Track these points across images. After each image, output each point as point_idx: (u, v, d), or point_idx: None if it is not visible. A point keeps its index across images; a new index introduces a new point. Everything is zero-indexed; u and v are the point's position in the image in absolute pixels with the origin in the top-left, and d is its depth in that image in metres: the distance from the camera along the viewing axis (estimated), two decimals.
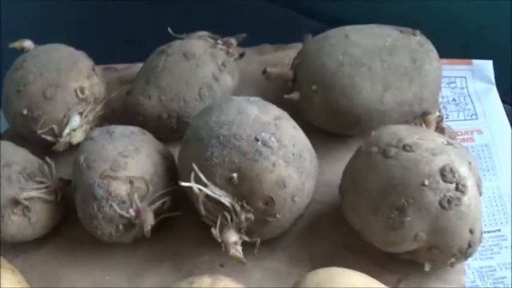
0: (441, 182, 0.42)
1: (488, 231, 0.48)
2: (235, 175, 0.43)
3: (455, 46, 0.62)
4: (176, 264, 0.48)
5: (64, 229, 0.52)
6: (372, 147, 0.45)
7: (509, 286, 0.47)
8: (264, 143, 0.44)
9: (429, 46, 0.54)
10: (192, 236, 0.49)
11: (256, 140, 0.44)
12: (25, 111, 0.53)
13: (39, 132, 0.53)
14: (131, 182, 0.46)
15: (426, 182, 0.42)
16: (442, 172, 0.42)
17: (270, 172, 0.43)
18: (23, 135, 0.55)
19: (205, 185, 0.43)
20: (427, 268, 0.44)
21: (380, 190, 0.43)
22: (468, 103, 0.58)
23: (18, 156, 0.51)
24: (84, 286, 0.48)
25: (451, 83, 0.60)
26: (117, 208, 0.45)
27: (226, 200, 0.43)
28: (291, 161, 0.44)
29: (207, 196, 0.44)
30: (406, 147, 0.43)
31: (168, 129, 0.53)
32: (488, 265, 0.47)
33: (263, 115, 0.46)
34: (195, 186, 0.43)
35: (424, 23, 0.55)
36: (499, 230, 0.48)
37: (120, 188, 0.45)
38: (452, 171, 0.42)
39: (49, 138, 0.53)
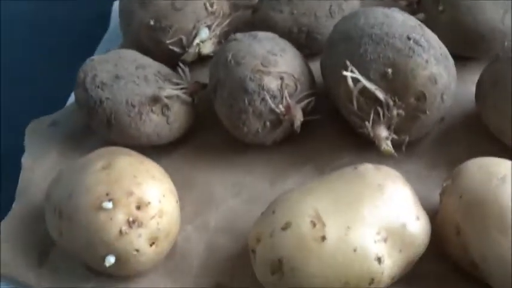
0: None
1: None
2: (390, 70, 0.47)
3: None
4: (317, 166, 0.50)
5: (195, 136, 0.54)
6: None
7: None
8: (416, 42, 0.47)
9: None
10: (330, 140, 0.53)
11: (409, 38, 0.47)
12: (152, 22, 0.56)
13: (168, 42, 0.55)
14: (282, 78, 0.48)
15: None
16: None
17: (424, 68, 0.46)
18: (146, 48, 0.57)
19: (358, 81, 0.47)
20: None
21: None
22: None
23: (150, 61, 0.54)
24: (224, 188, 0.50)
25: None
26: (269, 101, 0.48)
27: (380, 94, 0.47)
28: (440, 60, 0.47)
29: (360, 92, 0.47)
30: None
31: (296, 45, 0.55)
32: None
33: (408, 20, 0.49)
34: (350, 79, 0.46)
35: None
36: None
37: (272, 83, 0.48)
38: None
39: (176, 49, 0.56)
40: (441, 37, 0.55)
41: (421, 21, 0.55)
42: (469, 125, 0.53)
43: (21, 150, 0.57)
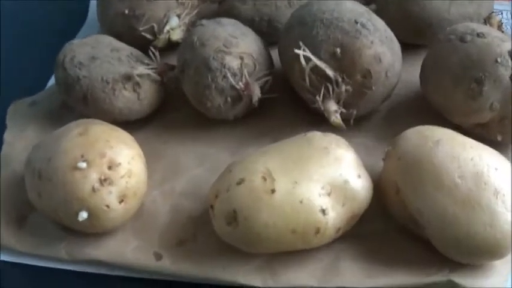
0: (510, 60, 0.56)
1: None
2: (338, 49, 0.56)
3: None
4: (274, 139, 0.58)
5: (164, 114, 0.64)
6: (450, 35, 0.58)
7: None
8: (363, 25, 0.57)
9: None
10: (286, 116, 0.62)
11: (356, 22, 0.57)
12: (127, 11, 0.65)
13: (140, 29, 0.65)
14: (241, 58, 0.58)
15: (499, 60, 0.55)
16: (511, 54, 0.56)
17: (369, 48, 0.56)
18: (120, 34, 0.66)
19: (310, 59, 0.56)
20: (499, 138, 0.57)
21: (460, 67, 0.56)
22: None
23: (124, 45, 0.63)
24: (189, 159, 0.59)
25: (499, 14, 0.77)
26: (230, 78, 0.57)
27: (330, 71, 0.56)
28: (385, 42, 0.57)
29: (311, 69, 0.56)
30: (479, 35, 0.57)
31: (259, 33, 0.64)
32: None
33: (357, 7, 0.59)
34: (303, 57, 0.56)
35: None
36: None
37: (233, 62, 0.57)
38: None
39: (148, 35, 0.66)
40: (392, 26, 0.66)
41: (373, 11, 0.66)
42: (415, 104, 0.63)
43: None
